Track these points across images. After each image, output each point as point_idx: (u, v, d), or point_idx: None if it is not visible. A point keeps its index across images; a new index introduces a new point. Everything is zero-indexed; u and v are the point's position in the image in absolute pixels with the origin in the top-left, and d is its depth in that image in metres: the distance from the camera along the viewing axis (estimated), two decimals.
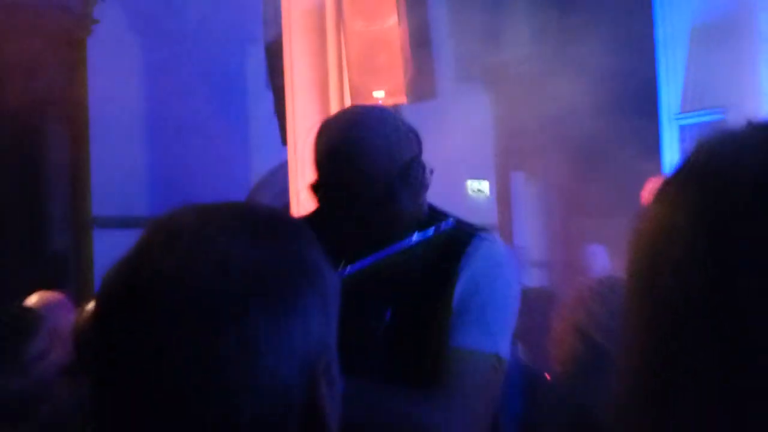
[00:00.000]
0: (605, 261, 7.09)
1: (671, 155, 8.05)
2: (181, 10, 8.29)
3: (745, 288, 0.67)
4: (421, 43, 6.17)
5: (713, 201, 0.72)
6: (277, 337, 0.94)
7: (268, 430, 0.95)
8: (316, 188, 2.47)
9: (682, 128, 8.06)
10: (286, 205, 6.16)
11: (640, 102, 8.43)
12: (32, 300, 4.15)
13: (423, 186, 2.43)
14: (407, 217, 2.41)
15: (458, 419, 2.29)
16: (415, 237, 2.37)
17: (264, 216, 1.06)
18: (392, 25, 6.02)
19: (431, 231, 2.38)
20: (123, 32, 8.64)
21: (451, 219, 2.45)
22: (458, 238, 2.40)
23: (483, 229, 2.50)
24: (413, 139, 2.50)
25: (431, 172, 2.49)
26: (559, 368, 3.57)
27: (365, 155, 2.40)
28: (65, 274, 8.13)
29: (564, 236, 10.25)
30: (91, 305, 3.23)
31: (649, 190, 5.45)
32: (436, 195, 2.56)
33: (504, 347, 2.35)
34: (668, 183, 0.78)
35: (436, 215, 2.48)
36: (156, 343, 0.92)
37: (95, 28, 8.44)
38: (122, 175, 8.41)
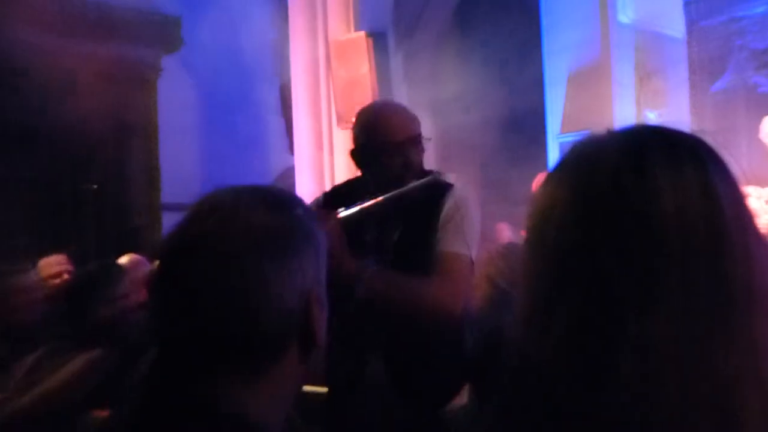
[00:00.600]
0: (509, 234, 7.23)
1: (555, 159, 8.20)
2: (220, 57, 8.75)
3: (601, 241, 0.77)
4: (383, 83, 6.74)
5: (582, 181, 0.81)
6: (282, 276, 1.06)
7: (277, 339, 1.07)
8: (354, 151, 2.69)
9: (561, 145, 8.16)
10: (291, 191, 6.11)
11: (533, 125, 8.77)
12: (122, 259, 4.53)
13: (423, 150, 2.64)
14: (414, 168, 2.60)
15: (449, 294, 2.47)
16: (413, 183, 2.53)
17: (275, 194, 1.17)
18: (365, 72, 6.64)
19: (425, 179, 2.56)
20: (181, 75, 9.33)
21: (436, 173, 2.62)
22: (440, 184, 2.59)
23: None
24: (417, 120, 2.68)
25: (429, 139, 2.69)
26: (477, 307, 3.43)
27: (389, 126, 2.59)
28: (143, 242, 8.48)
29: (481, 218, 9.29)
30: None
31: (537, 182, 5.93)
32: None
33: (473, 252, 2.56)
34: (551, 173, 0.85)
35: (425, 171, 2.66)
36: (198, 279, 1.05)
37: (162, 73, 9.35)
38: (181, 173, 8.90)
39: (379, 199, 2.47)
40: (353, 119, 5.90)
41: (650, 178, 0.77)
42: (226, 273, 1.04)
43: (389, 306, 2.43)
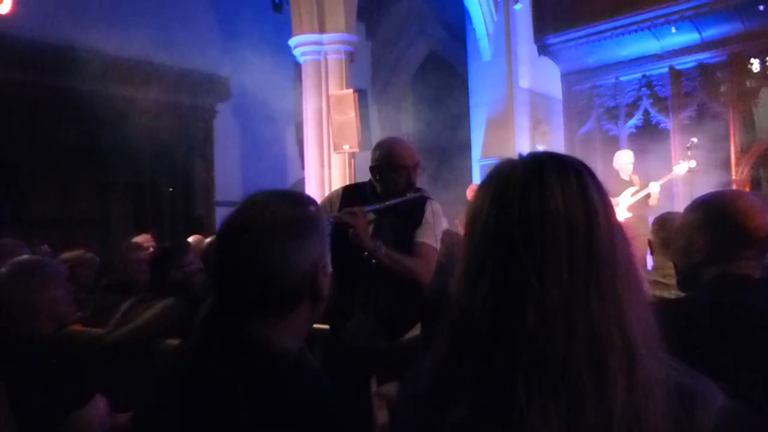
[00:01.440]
0: (446, 224, 7.75)
1: (477, 178, 8.17)
2: (256, 104, 8.48)
3: (513, 229, 0.74)
4: (364, 124, 6.55)
5: (500, 189, 0.78)
6: (299, 252, 1.04)
7: (294, 294, 1.04)
8: (373, 168, 2.59)
9: (481, 166, 8.46)
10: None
11: (462, 151, 8.89)
12: (190, 238, 4.50)
13: (419, 173, 2.57)
14: (410, 184, 2.53)
15: (424, 268, 2.46)
16: (409, 195, 2.50)
17: (295, 195, 1.14)
18: (352, 116, 6.48)
19: (417, 194, 2.53)
20: (229, 116, 9.29)
21: (423, 190, 2.58)
22: (424, 197, 2.55)
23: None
24: (417, 153, 2.60)
25: (423, 169, 2.63)
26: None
27: (405, 156, 2.53)
28: (202, 228, 8.19)
29: None
30: (210, 240, 3.84)
31: (470, 189, 6.85)
32: None
33: (438, 245, 2.53)
34: (481, 184, 0.82)
35: (416, 187, 2.58)
36: (242, 252, 1.03)
37: (217, 114, 9.31)
38: (228, 181, 9.00)
39: (388, 204, 2.47)
40: (346, 146, 5.92)
41: (546, 187, 0.76)
42: (261, 248, 1.02)
43: (389, 268, 2.41)
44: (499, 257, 0.75)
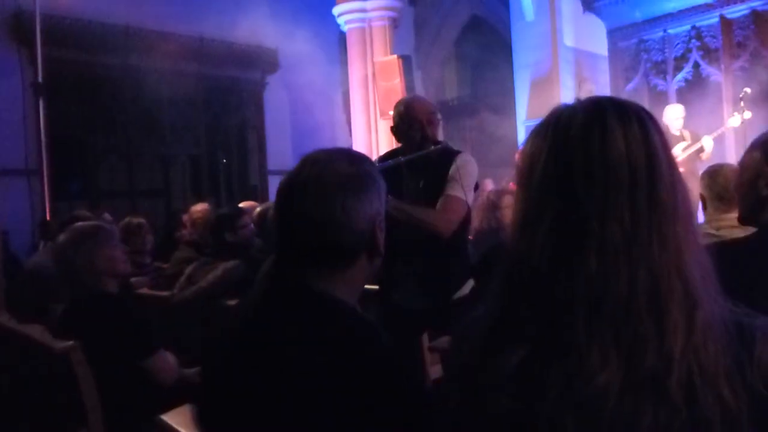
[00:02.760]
0: (491, 186, 7.24)
1: (523, 140, 7.39)
2: (305, 74, 8.54)
3: (574, 173, 0.72)
4: (408, 89, 6.67)
5: (560, 132, 0.75)
6: (358, 206, 1.03)
7: (353, 249, 1.05)
8: (392, 128, 2.62)
9: (526, 127, 8.04)
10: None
11: (507, 113, 8.69)
12: (243, 204, 4.64)
13: (437, 126, 2.54)
14: (430, 139, 2.50)
15: (441, 218, 2.41)
16: (433, 147, 2.47)
17: (354, 154, 1.14)
18: (397, 82, 6.70)
19: (437, 147, 2.49)
20: (278, 87, 9.30)
21: (445, 141, 2.56)
22: (450, 149, 2.52)
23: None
24: (433, 106, 2.62)
25: (440, 119, 2.57)
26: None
27: (416, 110, 2.51)
28: (256, 195, 8.62)
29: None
30: (264, 206, 3.94)
31: (519, 153, 6.27)
32: None
33: (470, 197, 2.48)
34: (536, 128, 0.79)
35: (438, 140, 2.55)
36: (304, 207, 1.03)
37: (267, 86, 9.28)
38: (280, 150, 9.13)
39: (403, 159, 2.43)
40: (391, 112, 5.96)
41: (609, 131, 0.73)
42: (322, 204, 1.02)
43: (403, 221, 2.28)
44: (559, 201, 0.73)
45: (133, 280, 3.61)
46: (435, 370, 2.14)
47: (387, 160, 2.55)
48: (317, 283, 1.02)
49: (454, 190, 2.43)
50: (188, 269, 3.31)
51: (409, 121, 2.50)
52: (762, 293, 0.73)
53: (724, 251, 1.21)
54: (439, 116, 2.56)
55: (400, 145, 2.64)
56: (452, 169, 2.45)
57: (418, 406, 0.96)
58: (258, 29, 8.31)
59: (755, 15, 6.98)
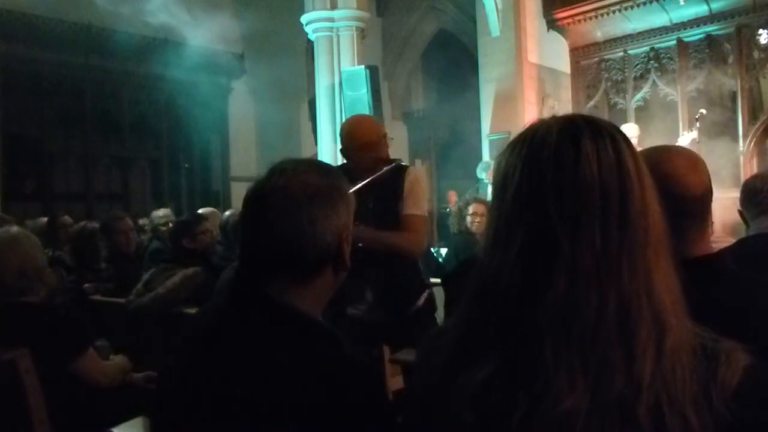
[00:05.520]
0: (455, 197, 7.80)
1: (486, 154, 8.14)
2: (270, 81, 8.56)
3: (546, 192, 0.71)
4: (375, 100, 6.70)
5: (533, 151, 0.74)
6: (325, 219, 1.01)
7: (318, 261, 1.03)
8: (342, 150, 2.57)
9: (490, 141, 8.32)
10: None
11: (472, 127, 8.71)
12: (201, 210, 4.44)
13: (387, 145, 2.49)
14: (383, 159, 2.45)
15: (411, 240, 2.42)
16: (384, 168, 2.42)
17: (322, 165, 1.15)
18: (364, 92, 6.69)
19: (392, 164, 2.45)
20: (243, 92, 9.37)
21: (398, 160, 2.52)
22: (402, 167, 2.49)
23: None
24: (380, 125, 2.56)
25: (391, 138, 2.55)
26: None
27: (364, 133, 2.46)
28: (219, 202, 8.81)
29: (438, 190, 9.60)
30: (227, 213, 3.73)
31: (480, 167, 6.82)
32: None
33: (425, 210, 2.49)
34: (510, 145, 0.78)
35: (391, 159, 2.51)
36: (269, 217, 1.01)
37: (232, 91, 9.32)
38: (243, 156, 9.18)
39: (361, 184, 2.33)
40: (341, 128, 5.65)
41: (582, 153, 0.72)
42: (289, 214, 1.00)
43: (377, 248, 2.29)
44: (530, 221, 0.72)
45: (86, 286, 3.53)
46: (396, 382, 2.11)
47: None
48: (280, 295, 1.00)
49: (414, 209, 2.43)
50: (146, 275, 3.23)
51: (358, 145, 2.44)
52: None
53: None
54: (388, 134, 2.52)
55: (346, 161, 2.61)
56: (406, 188, 2.43)
57: (382, 418, 0.95)
58: (225, 34, 8.28)
59: (710, 39, 7.24)
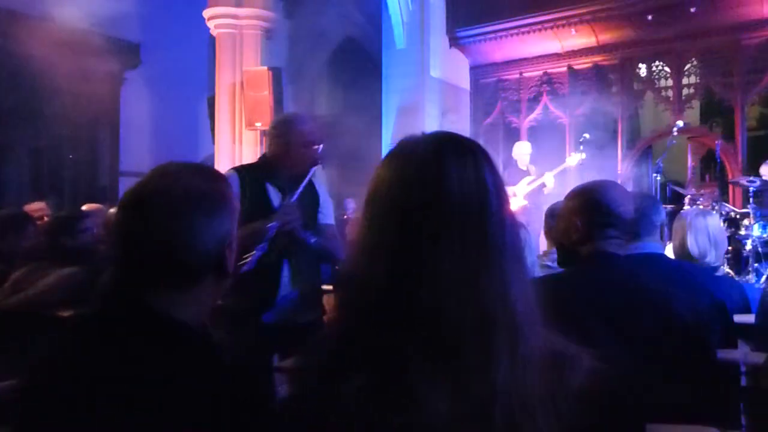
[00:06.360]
0: (353, 205, 7.86)
1: None
2: (167, 73, 8.32)
3: (412, 205, 0.75)
4: (277, 103, 6.53)
5: (401, 166, 0.77)
6: (207, 226, 0.99)
7: (198, 269, 1.00)
8: (282, 146, 2.41)
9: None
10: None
11: (374, 136, 8.58)
12: (88, 206, 4.36)
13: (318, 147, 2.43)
14: (316, 160, 2.40)
15: (333, 245, 2.46)
16: (312, 170, 2.38)
17: (209, 169, 1.09)
18: (266, 94, 6.47)
19: (316, 166, 2.40)
20: (138, 84, 9.01)
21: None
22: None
23: None
24: (319, 130, 2.49)
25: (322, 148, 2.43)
26: None
27: (306, 131, 2.39)
28: (106, 197, 8.11)
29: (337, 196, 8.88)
30: (113, 210, 3.57)
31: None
32: None
33: (333, 221, 2.55)
34: (383, 159, 0.81)
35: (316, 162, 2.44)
36: (147, 222, 0.97)
37: (125, 82, 9.01)
38: (133, 150, 8.80)
39: (303, 186, 2.32)
40: (258, 123, 5.64)
41: (444, 167, 0.76)
42: (169, 219, 0.97)
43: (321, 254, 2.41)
44: (396, 233, 0.75)
45: None
46: (284, 390, 2.09)
47: (253, 173, 2.42)
48: (158, 303, 0.97)
49: (332, 218, 2.50)
50: (14, 275, 2.98)
51: (305, 143, 2.36)
52: (574, 324, 0.79)
53: (550, 285, 1.38)
54: (321, 137, 2.46)
55: (259, 158, 2.54)
56: (322, 196, 2.46)
57: (262, 428, 0.94)
58: (120, 19, 7.85)
59: (597, 68, 7.80)
